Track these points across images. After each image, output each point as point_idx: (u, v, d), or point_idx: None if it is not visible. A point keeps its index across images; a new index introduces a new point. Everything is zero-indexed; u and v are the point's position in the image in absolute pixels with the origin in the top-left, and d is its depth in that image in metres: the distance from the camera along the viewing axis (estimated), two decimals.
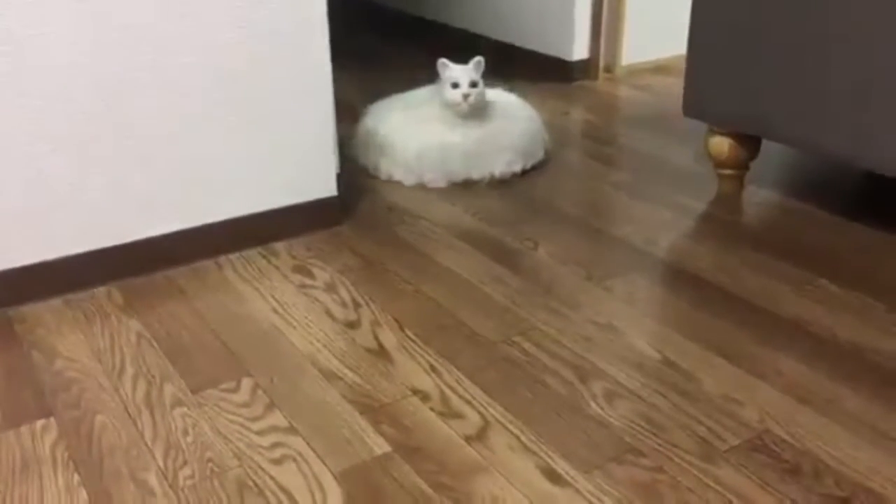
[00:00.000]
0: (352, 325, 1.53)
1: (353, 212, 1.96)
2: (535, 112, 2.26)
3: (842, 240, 1.79)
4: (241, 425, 1.27)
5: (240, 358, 1.44)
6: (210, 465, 1.19)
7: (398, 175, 2.11)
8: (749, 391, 1.32)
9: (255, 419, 1.29)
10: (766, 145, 2.06)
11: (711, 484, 1.13)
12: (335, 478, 1.16)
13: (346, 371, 1.40)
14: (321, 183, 1.85)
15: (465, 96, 2.02)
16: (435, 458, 1.20)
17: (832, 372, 1.35)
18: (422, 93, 2.21)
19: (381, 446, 1.22)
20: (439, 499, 1.12)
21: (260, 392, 1.35)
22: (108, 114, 1.58)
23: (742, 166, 2.03)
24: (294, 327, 1.52)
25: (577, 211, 1.97)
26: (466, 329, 1.50)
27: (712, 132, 2.02)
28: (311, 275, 1.70)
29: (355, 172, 2.15)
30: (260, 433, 1.26)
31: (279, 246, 1.81)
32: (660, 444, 1.21)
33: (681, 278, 1.66)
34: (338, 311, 1.57)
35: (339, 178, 1.90)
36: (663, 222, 1.89)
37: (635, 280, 1.65)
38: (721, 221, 1.91)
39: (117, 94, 1.58)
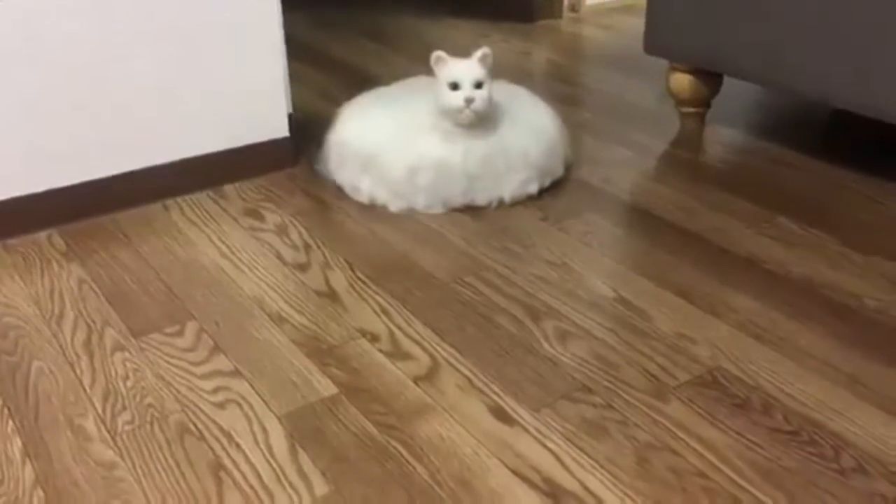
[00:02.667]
0: (302, 267, 1.49)
1: (308, 153, 1.91)
2: (554, 113, 1.78)
3: (801, 178, 1.77)
4: (184, 370, 1.24)
5: (185, 302, 1.40)
6: (150, 410, 1.16)
7: (383, 198, 1.65)
8: (702, 328, 1.30)
9: (198, 363, 1.25)
10: (729, 85, 2.03)
11: (660, 419, 1.12)
12: (279, 420, 1.14)
13: (295, 314, 1.36)
14: (272, 123, 1.79)
15: (469, 101, 1.55)
16: (382, 399, 1.18)
17: (785, 308, 1.34)
18: (413, 90, 1.75)
19: (327, 388, 1.20)
20: (384, 439, 1.10)
21: (205, 336, 1.31)
22: (28, 47, 1.51)
23: (703, 104, 2.00)
24: (242, 271, 1.48)
25: None
26: (419, 270, 1.47)
27: (673, 69, 1.98)
28: (261, 218, 1.66)
29: (310, 112, 2.09)
30: (203, 377, 1.23)
31: (229, 189, 1.76)
32: (610, 382, 1.20)
33: (638, 217, 1.64)
34: (288, 255, 1.53)
35: (292, 118, 1.85)
36: (623, 161, 1.86)
37: (592, 220, 1.63)
38: (681, 160, 1.89)
39: (40, 25, 1.51)
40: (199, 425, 1.13)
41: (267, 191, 1.76)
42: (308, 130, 1.99)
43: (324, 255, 1.53)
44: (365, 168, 1.66)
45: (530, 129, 1.69)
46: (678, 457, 1.06)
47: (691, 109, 2.01)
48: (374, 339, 1.30)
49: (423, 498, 1.01)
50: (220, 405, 1.17)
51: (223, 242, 1.57)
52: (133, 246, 1.56)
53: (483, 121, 1.60)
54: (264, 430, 1.12)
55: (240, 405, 1.17)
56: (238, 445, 1.10)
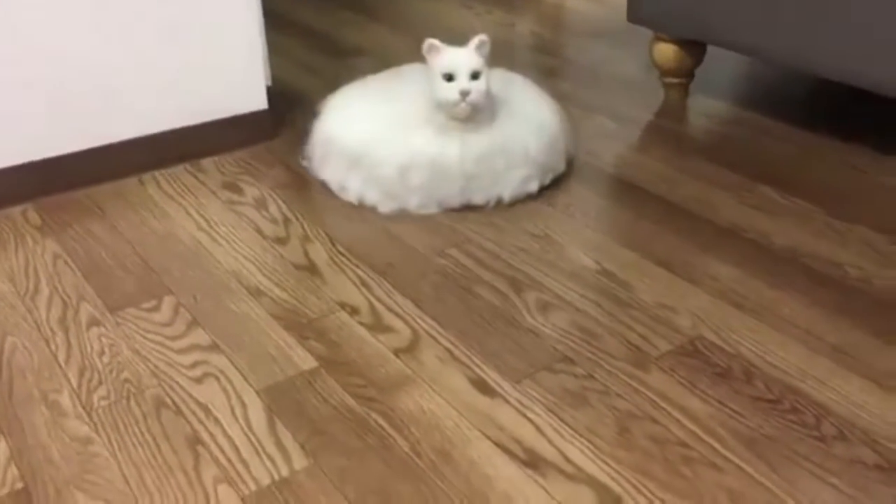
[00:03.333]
0: (281, 241, 1.47)
1: (288, 126, 1.88)
2: (555, 104, 1.67)
3: (785, 147, 1.76)
4: (161, 344, 1.22)
5: (162, 276, 1.38)
6: (126, 385, 1.15)
7: (372, 198, 1.53)
8: (683, 298, 1.30)
9: (175, 338, 1.24)
10: (713, 55, 2.01)
11: (641, 389, 1.12)
12: (258, 394, 1.13)
13: (273, 287, 1.35)
14: (250, 96, 1.76)
15: (465, 94, 1.44)
16: (362, 372, 1.17)
17: (767, 277, 1.33)
18: (404, 80, 1.63)
19: (306, 362, 1.18)
20: (364, 412, 1.09)
21: (182, 310, 1.29)
22: (1, 19, 1.48)
23: (687, 74, 1.98)
24: (220, 245, 1.46)
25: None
26: (399, 243, 1.46)
27: (657, 39, 1.96)
28: (240, 191, 1.63)
29: (289, 84, 2.06)
30: (180, 352, 1.21)
31: (207, 162, 1.74)
32: (592, 353, 1.19)
33: (622, 189, 1.62)
34: (267, 228, 1.51)
35: (271, 90, 1.82)
36: (607, 133, 1.84)
37: (575, 191, 1.61)
38: (665, 131, 1.87)
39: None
40: (176, 399, 1.12)
41: (246, 164, 1.73)
42: (288, 103, 1.96)
43: (303, 228, 1.51)
44: (352, 166, 1.54)
45: (530, 123, 1.57)
46: (659, 426, 1.06)
47: (675, 80, 1.99)
48: (353, 311, 1.28)
49: (403, 470, 1.00)
50: (198, 379, 1.15)
51: (201, 216, 1.55)
52: (109, 220, 1.54)
53: (480, 114, 1.49)
54: (242, 403, 1.11)
55: (217, 379, 1.15)
56: (216, 419, 1.09)
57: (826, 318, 1.24)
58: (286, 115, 1.92)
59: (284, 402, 1.11)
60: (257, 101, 1.77)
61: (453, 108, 1.46)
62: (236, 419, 1.09)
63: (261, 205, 1.58)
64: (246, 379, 1.15)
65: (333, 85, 1.72)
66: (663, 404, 1.09)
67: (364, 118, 1.57)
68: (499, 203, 1.54)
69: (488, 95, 1.48)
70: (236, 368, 1.17)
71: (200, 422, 1.08)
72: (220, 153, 1.75)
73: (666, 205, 1.55)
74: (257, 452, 1.03)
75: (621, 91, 2.06)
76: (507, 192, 1.54)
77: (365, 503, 0.96)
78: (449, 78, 1.45)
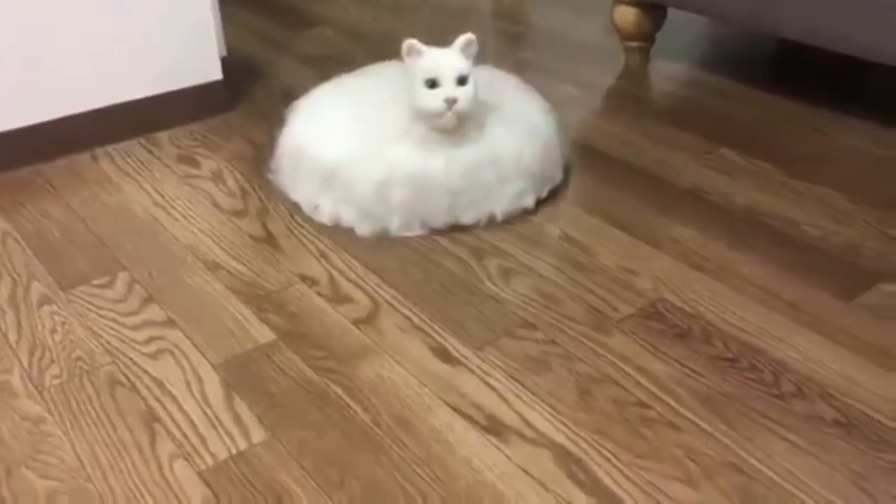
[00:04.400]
0: (238, 213, 1.45)
1: (245, 97, 1.84)
2: (547, 106, 1.51)
3: (746, 109, 1.76)
4: (115, 321, 1.20)
5: (115, 253, 1.35)
6: (79, 363, 1.12)
7: (349, 219, 1.37)
8: (644, 261, 1.29)
9: (129, 314, 1.21)
10: (674, 19, 1.99)
11: (602, 352, 1.11)
12: (214, 368, 1.11)
13: (231, 261, 1.32)
14: (203, 66, 1.72)
15: (451, 102, 1.27)
16: (322, 343, 1.15)
17: (727, 238, 1.33)
18: (380, 83, 1.45)
19: (265, 335, 1.17)
20: (324, 383, 1.08)
21: (136, 287, 1.27)
22: None
23: (648, 38, 1.97)
24: (175, 219, 1.43)
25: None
26: None
27: (618, 3, 1.94)
28: (196, 164, 1.60)
29: (246, 56, 2.02)
30: (135, 328, 1.18)
31: (162, 136, 1.70)
32: (553, 318, 1.18)
33: (584, 154, 1.61)
34: (224, 201, 1.48)
35: (227, 61, 1.78)
36: (568, 98, 1.83)
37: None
38: (626, 95, 1.86)
39: None
40: (131, 376, 1.10)
41: (202, 136, 1.70)
42: (244, 74, 1.93)
43: (261, 200, 1.48)
44: (325, 183, 1.37)
45: (523, 129, 1.41)
46: (620, 388, 1.06)
47: (636, 44, 1.98)
48: (313, 283, 1.27)
49: (363, 440, 0.99)
50: (153, 355, 1.13)
51: (156, 191, 1.51)
52: (61, 197, 1.50)
53: (467, 123, 1.33)
54: (199, 378, 1.09)
55: (173, 354, 1.13)
56: (171, 395, 1.07)
57: (784, 276, 1.24)
58: (243, 86, 1.88)
59: (242, 375, 1.10)
60: (212, 71, 1.73)
61: (438, 119, 1.29)
62: (192, 394, 1.07)
63: (217, 178, 1.55)
64: (202, 353, 1.13)
65: (291, 55, 1.68)
66: (624, 366, 1.09)
67: (337, 128, 1.40)
68: (491, 221, 1.38)
69: (476, 101, 1.32)
70: (192, 343, 1.15)
71: (156, 398, 1.06)
72: (174, 126, 1.72)
73: (628, 168, 1.55)
74: (214, 427, 1.02)
75: (582, 56, 2.04)
76: (500, 208, 1.37)
77: (324, 474, 0.95)
78: (432, 84, 1.28)
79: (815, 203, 1.41)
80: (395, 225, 1.35)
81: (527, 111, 1.46)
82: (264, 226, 1.41)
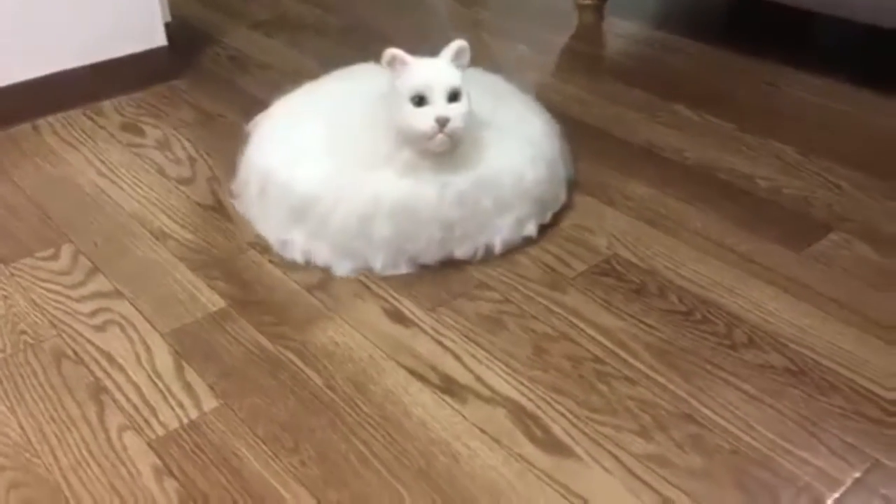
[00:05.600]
0: (186, 181, 1.41)
1: (192, 64, 1.80)
2: (545, 113, 1.36)
3: (699, 66, 1.75)
4: (60, 294, 1.17)
5: (59, 224, 1.31)
6: (23, 337, 1.09)
7: (324, 256, 1.19)
8: (599, 218, 1.29)
9: (75, 286, 1.18)
10: None
11: (556, 310, 1.11)
12: (164, 338, 1.08)
13: (179, 229, 1.29)
14: (146, 32, 1.67)
15: (443, 122, 1.10)
16: (275, 310, 1.13)
17: (681, 193, 1.34)
18: (357, 93, 1.25)
19: (215, 303, 1.14)
20: (277, 350, 1.06)
21: (82, 258, 1.23)
22: None
23: None
24: (122, 189, 1.39)
25: (433, 53, 1.85)
26: None
27: None
28: (141, 133, 1.56)
29: (191, 21, 1.96)
30: (80, 300, 1.15)
31: (106, 105, 1.65)
32: (508, 277, 1.17)
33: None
34: (171, 169, 1.45)
35: (171, 27, 1.73)
36: (522, 59, 1.81)
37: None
38: (580, 54, 1.85)
39: None
40: (77, 349, 1.07)
41: (147, 104, 1.65)
42: (190, 40, 1.88)
43: (210, 167, 1.45)
44: (297, 216, 1.19)
45: (523, 145, 1.24)
46: (575, 345, 1.06)
47: (589, 2, 1.96)
48: (264, 250, 1.24)
49: (317, 405, 0.98)
50: (100, 327, 1.10)
51: (100, 160, 1.47)
52: (2, 169, 1.45)
53: (461, 143, 1.15)
54: (148, 348, 1.07)
55: (121, 325, 1.11)
56: (120, 366, 1.04)
57: (737, 229, 1.25)
58: (189, 52, 1.83)
59: (192, 344, 1.07)
60: (155, 37, 1.68)
61: (427, 142, 1.12)
62: (141, 365, 1.04)
63: (164, 146, 1.51)
64: (151, 324, 1.11)
65: (239, 19, 1.64)
66: (579, 323, 1.09)
67: (309, 151, 1.21)
68: (488, 253, 1.21)
69: (470, 121, 1.14)
70: (140, 314, 1.13)
71: (103, 370, 1.04)
72: (118, 94, 1.66)
73: (582, 127, 1.54)
74: (164, 397, 1.00)
75: (536, 15, 2.02)
76: (499, 238, 1.20)
77: (278, 440, 0.94)
78: (420, 101, 1.11)
79: (766, 156, 1.42)
80: (378, 263, 1.17)
81: (526, 123, 1.29)
82: (213, 193, 1.38)
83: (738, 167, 1.39)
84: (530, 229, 1.23)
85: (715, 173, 1.39)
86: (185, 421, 0.96)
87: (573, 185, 1.35)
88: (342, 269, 1.18)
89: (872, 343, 1.03)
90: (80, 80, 1.61)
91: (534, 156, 1.24)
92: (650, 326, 1.08)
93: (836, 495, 0.86)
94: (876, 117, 1.52)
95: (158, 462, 0.91)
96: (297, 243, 1.20)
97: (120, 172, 1.44)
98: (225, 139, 1.53)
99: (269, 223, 1.25)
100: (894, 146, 1.44)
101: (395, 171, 1.15)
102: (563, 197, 1.30)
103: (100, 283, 1.18)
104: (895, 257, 1.18)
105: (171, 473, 0.90)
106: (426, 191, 1.15)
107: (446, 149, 1.13)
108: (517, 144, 1.24)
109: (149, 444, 0.93)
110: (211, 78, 1.74)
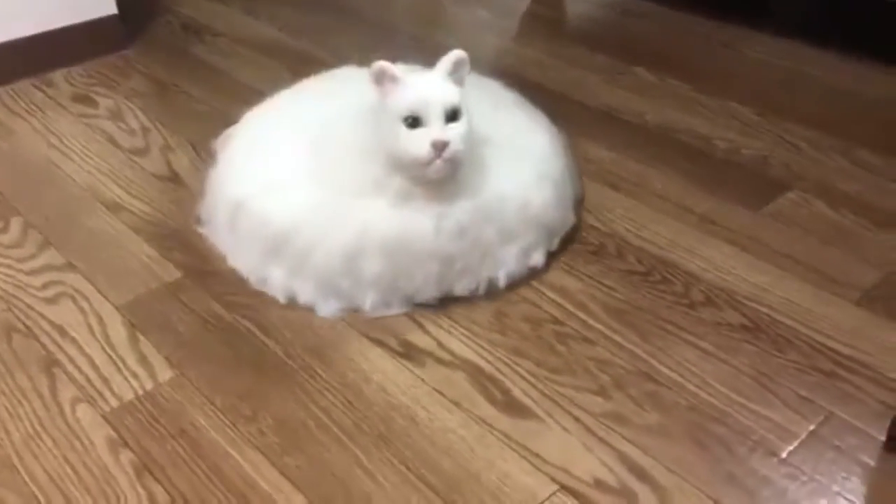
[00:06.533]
0: (140, 152, 1.38)
1: (144, 32, 1.75)
2: (551, 125, 1.23)
3: (658, 29, 1.75)
4: (10, 267, 1.14)
5: (9, 197, 1.27)
6: None
7: (307, 294, 1.06)
8: None
9: (25, 259, 1.15)
10: None
11: None
12: (117, 310, 1.06)
13: (133, 201, 1.26)
14: (96, 0, 1.62)
15: (440, 147, 0.97)
16: (232, 280, 1.11)
17: (640, 155, 1.33)
18: (341, 106, 1.10)
19: (170, 274, 1.12)
20: (234, 319, 1.05)
21: (32, 231, 1.20)
22: None
23: None
24: (73, 160, 1.36)
25: (392, 18, 1.83)
26: None
27: None
28: (93, 103, 1.52)
29: None
30: (31, 273, 1.13)
31: (56, 75, 1.60)
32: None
33: (502, 79, 1.58)
34: (124, 139, 1.41)
35: None
36: (483, 24, 1.79)
37: None
38: (540, 18, 1.83)
39: None
40: (28, 322, 1.05)
41: (99, 74, 1.61)
42: (142, 7, 1.83)
43: (164, 137, 1.42)
44: (275, 250, 1.06)
45: (528, 165, 1.11)
46: (534, 307, 1.05)
47: None
48: None
49: (276, 373, 0.97)
50: (52, 300, 1.08)
51: (51, 132, 1.43)
52: None
53: (460, 169, 1.02)
54: (101, 320, 1.05)
55: (73, 298, 1.08)
56: (72, 339, 1.02)
57: (696, 190, 1.25)
58: (141, 20, 1.78)
59: (147, 316, 1.05)
60: (105, 5, 1.63)
61: (423, 168, 0.99)
62: (95, 337, 1.02)
63: (116, 116, 1.48)
64: (104, 296, 1.09)
65: None
66: (538, 286, 1.09)
67: (285, 176, 1.07)
68: (491, 288, 1.08)
69: (471, 143, 1.01)
70: (93, 286, 1.10)
71: (55, 343, 1.02)
72: (69, 65, 1.62)
73: (543, 92, 1.52)
74: (119, 369, 0.98)
75: None
76: (503, 271, 1.07)
77: (236, 409, 0.93)
78: (414, 122, 0.98)
79: (724, 117, 1.42)
80: (368, 303, 1.04)
81: (528, 137, 1.16)
82: (168, 163, 1.35)
83: (697, 129, 1.40)
84: (537, 259, 1.09)
85: (675, 135, 1.39)
86: (140, 392, 0.95)
87: None
88: (327, 309, 1.05)
89: (828, 299, 1.04)
90: (28, 49, 1.56)
91: (539, 176, 1.10)
92: (609, 287, 1.08)
93: (791, 448, 0.87)
94: (833, 77, 1.53)
95: (113, 434, 0.90)
96: (276, 281, 1.07)
97: (71, 144, 1.40)
98: (179, 109, 1.50)
99: (242, 258, 1.11)
100: (851, 105, 1.45)
101: (386, 200, 1.02)
102: (571, 219, 1.16)
103: (51, 256, 1.15)
104: (851, 214, 1.19)
105: (127, 445, 0.89)
106: (421, 222, 1.01)
107: (444, 176, 1.00)
108: (521, 163, 1.10)
109: (103, 416, 0.92)
110: (164, 46, 1.70)
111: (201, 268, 1.13)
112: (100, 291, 1.09)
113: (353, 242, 1.02)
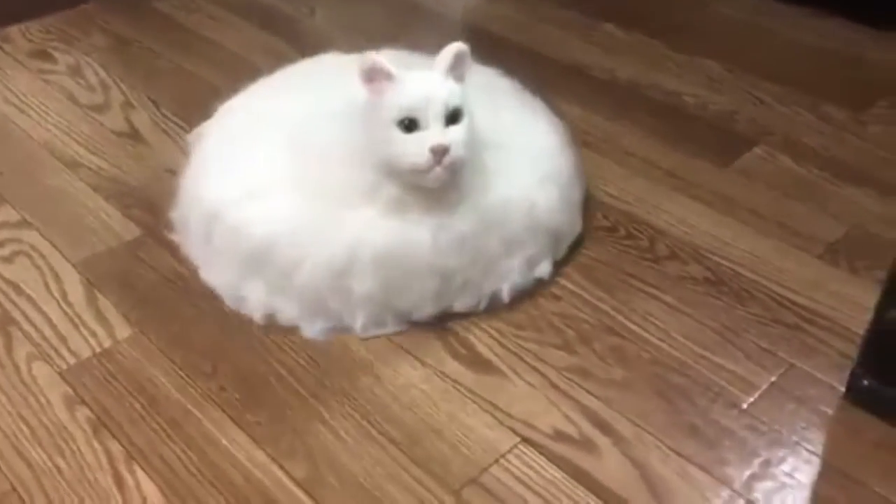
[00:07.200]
0: (99, 108, 1.35)
1: None
2: (555, 118, 1.13)
3: None
4: None
5: None
6: None
7: (289, 315, 0.96)
8: None
9: None
10: None
11: None
12: (75, 267, 1.04)
13: (92, 157, 1.24)
14: None
15: (440, 153, 0.87)
16: None
17: (610, 112, 1.32)
18: (325, 101, 1.00)
19: (130, 231, 1.10)
20: (194, 276, 1.03)
21: None
22: None
23: None
24: (30, 117, 1.32)
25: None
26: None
27: None
28: (52, 59, 1.48)
29: None
30: None
31: (12, 30, 1.55)
32: None
33: (471, 36, 1.55)
34: (83, 96, 1.38)
35: None
36: None
37: (421, 43, 1.54)
38: None
39: None
40: None
41: (58, 30, 1.56)
42: None
43: (124, 93, 1.38)
44: (253, 266, 0.96)
45: (531, 162, 1.01)
46: None
47: None
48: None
49: (236, 330, 0.96)
50: (7, 258, 1.06)
51: (7, 88, 1.39)
52: None
53: (461, 174, 0.92)
54: (58, 278, 1.03)
55: (29, 256, 1.06)
56: (28, 297, 1.00)
57: (664, 145, 1.24)
58: None
59: (106, 273, 1.04)
60: None
61: (421, 176, 0.89)
62: (52, 295, 1.00)
63: (76, 72, 1.44)
64: (62, 253, 1.06)
65: None
66: None
67: (266, 182, 0.97)
68: (494, 303, 0.98)
69: (475, 146, 0.92)
70: (51, 244, 1.08)
71: (11, 301, 0.99)
72: (25, 20, 1.57)
73: (515, 49, 1.50)
74: (76, 327, 0.96)
75: None
76: (508, 284, 0.98)
77: (196, 366, 0.91)
78: (410, 125, 0.88)
79: (693, 73, 1.41)
80: (359, 322, 0.94)
81: (531, 133, 1.05)
82: (128, 120, 1.32)
83: (666, 85, 1.38)
84: (544, 269, 1.00)
85: (643, 91, 1.38)
86: (98, 350, 0.93)
87: None
88: (313, 329, 0.95)
89: (791, 252, 1.05)
90: None
91: (544, 177, 1.01)
92: (575, 243, 1.07)
93: (752, 399, 0.87)
94: (800, 33, 1.52)
95: (70, 391, 0.88)
96: (255, 299, 0.96)
97: (28, 100, 1.36)
98: (141, 65, 1.46)
99: (217, 272, 1.00)
100: (819, 61, 1.45)
101: (378, 210, 0.92)
102: (579, 223, 1.07)
103: (6, 214, 1.13)
104: (816, 169, 1.19)
105: (84, 402, 0.87)
106: (417, 234, 0.92)
107: (444, 183, 0.90)
108: (524, 164, 1.00)
109: (59, 374, 0.90)
110: (125, 1, 1.66)
111: (161, 225, 1.11)
112: (57, 249, 1.07)
113: (342, 257, 0.92)
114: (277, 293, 0.95)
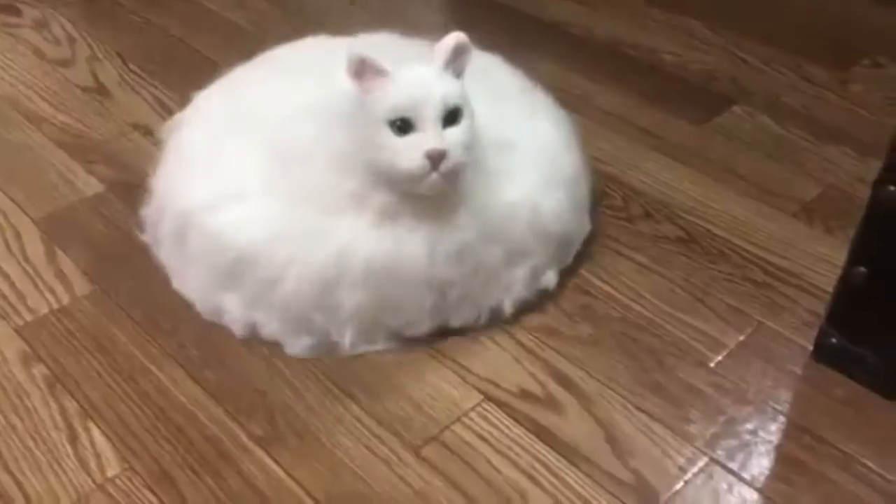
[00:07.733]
0: (64, 63, 1.31)
1: None
2: (561, 111, 1.04)
3: None
4: None
5: None
6: None
7: (270, 330, 0.87)
8: None
9: None
10: None
11: None
12: (35, 223, 1.02)
13: (56, 112, 1.21)
14: None
15: (437, 158, 0.79)
16: None
17: (588, 70, 1.30)
18: (310, 96, 0.90)
19: (93, 187, 1.08)
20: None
21: None
22: None
23: None
24: None
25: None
26: (199, 58, 1.33)
27: None
28: (17, 12, 1.44)
29: None
30: None
31: None
32: None
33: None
34: (49, 50, 1.34)
35: None
36: None
37: (399, 6, 1.51)
38: None
39: None
40: None
41: None
42: None
43: (91, 48, 1.35)
44: (230, 277, 0.87)
45: (537, 167, 0.91)
46: None
47: None
48: (147, 132, 1.17)
49: None
50: None
51: None
52: None
53: (460, 180, 0.83)
54: (17, 234, 1.00)
55: None
56: None
57: (641, 104, 1.22)
58: None
59: (67, 230, 1.01)
60: None
61: (416, 184, 0.81)
62: (11, 252, 0.98)
63: (41, 26, 1.40)
64: (22, 209, 1.04)
65: None
66: None
67: (244, 185, 0.88)
68: (494, 317, 0.90)
69: (476, 148, 0.83)
70: (10, 199, 1.05)
71: None
72: None
73: (490, 4, 1.47)
74: (35, 284, 0.94)
75: None
76: (510, 297, 0.90)
77: (156, 323, 0.90)
78: (403, 126, 0.79)
79: (673, 31, 1.38)
80: (347, 339, 0.86)
81: (534, 127, 0.96)
82: (94, 75, 1.29)
83: (645, 43, 1.36)
84: (549, 279, 0.92)
85: (622, 49, 1.35)
86: (56, 307, 0.91)
87: None
88: (297, 346, 0.87)
89: (765, 211, 1.03)
90: None
91: (548, 177, 0.92)
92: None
93: (719, 358, 0.86)
94: None
95: (26, 348, 0.87)
96: (232, 312, 0.88)
97: None
98: (109, 19, 1.43)
99: (191, 281, 0.91)
100: (802, 21, 1.42)
101: (368, 218, 0.83)
102: (587, 226, 0.99)
103: None
104: (795, 128, 1.17)
105: (40, 359, 0.86)
106: (411, 245, 0.83)
107: (441, 190, 0.81)
108: (528, 163, 0.91)
109: (15, 330, 0.88)
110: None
111: (125, 181, 1.09)
112: (17, 205, 1.05)
113: (329, 269, 0.83)
114: (258, 307, 0.87)
